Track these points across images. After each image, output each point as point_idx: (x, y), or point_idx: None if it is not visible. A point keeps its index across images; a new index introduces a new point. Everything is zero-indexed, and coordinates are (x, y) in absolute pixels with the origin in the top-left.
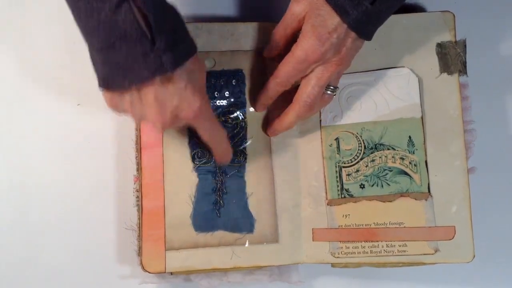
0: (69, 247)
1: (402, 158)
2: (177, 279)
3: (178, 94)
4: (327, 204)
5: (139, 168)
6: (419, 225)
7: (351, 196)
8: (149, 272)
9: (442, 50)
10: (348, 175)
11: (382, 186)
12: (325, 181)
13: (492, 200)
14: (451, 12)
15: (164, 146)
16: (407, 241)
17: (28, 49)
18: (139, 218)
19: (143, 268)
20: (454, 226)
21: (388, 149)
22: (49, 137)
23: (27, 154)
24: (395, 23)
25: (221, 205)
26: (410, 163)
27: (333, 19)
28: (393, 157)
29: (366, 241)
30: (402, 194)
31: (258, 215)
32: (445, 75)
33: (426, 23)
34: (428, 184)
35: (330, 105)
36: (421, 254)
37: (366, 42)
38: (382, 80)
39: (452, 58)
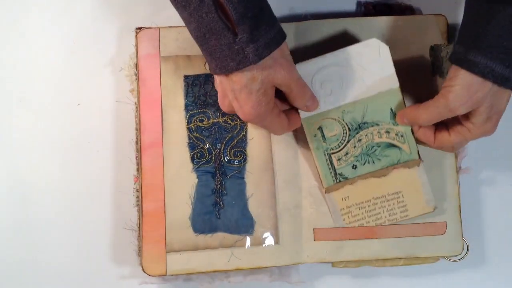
0: (69, 247)
1: (387, 132)
2: (178, 280)
3: (233, 94)
4: (325, 192)
5: (139, 169)
6: (416, 190)
7: (346, 178)
8: (150, 275)
9: (435, 52)
10: (339, 159)
11: (373, 162)
12: (318, 171)
13: (491, 200)
14: (444, 16)
15: (164, 146)
16: (405, 236)
17: (28, 49)
18: (139, 219)
19: (143, 271)
20: (446, 222)
21: (372, 125)
22: (49, 137)
23: (27, 154)
24: (390, 25)
25: (220, 207)
26: (396, 135)
27: (505, 100)
28: (378, 132)
29: (366, 239)
30: (394, 166)
31: (258, 216)
32: (437, 77)
33: (421, 25)
34: (417, 150)
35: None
36: (423, 214)
37: None
38: (353, 57)
39: (443, 60)
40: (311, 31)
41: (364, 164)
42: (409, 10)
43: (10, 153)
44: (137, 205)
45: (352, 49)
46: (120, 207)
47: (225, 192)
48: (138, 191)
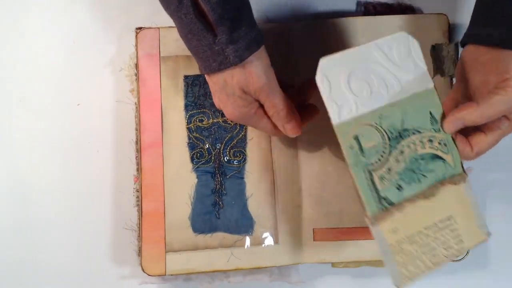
0: (69, 247)
1: (430, 141)
2: (177, 279)
3: (216, 94)
4: (371, 225)
5: (139, 169)
6: (467, 212)
7: (392, 204)
8: (150, 275)
9: (436, 52)
10: (382, 178)
11: (419, 180)
12: (359, 195)
13: (490, 200)
14: (445, 15)
15: (163, 146)
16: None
17: (28, 49)
18: (139, 219)
19: (143, 270)
20: None
21: (414, 133)
22: (49, 137)
23: (27, 154)
24: (391, 24)
25: (220, 207)
26: (439, 143)
27: None
28: (421, 141)
29: (366, 239)
30: (442, 183)
31: (258, 216)
32: (438, 76)
33: (422, 25)
34: (461, 162)
35: (336, 95)
36: (478, 243)
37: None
38: (384, 52)
39: (444, 60)
40: (311, 31)
41: (410, 183)
42: (409, 10)
43: (10, 153)
44: (137, 205)
45: (382, 43)
46: (120, 207)
47: (225, 192)
48: (138, 191)
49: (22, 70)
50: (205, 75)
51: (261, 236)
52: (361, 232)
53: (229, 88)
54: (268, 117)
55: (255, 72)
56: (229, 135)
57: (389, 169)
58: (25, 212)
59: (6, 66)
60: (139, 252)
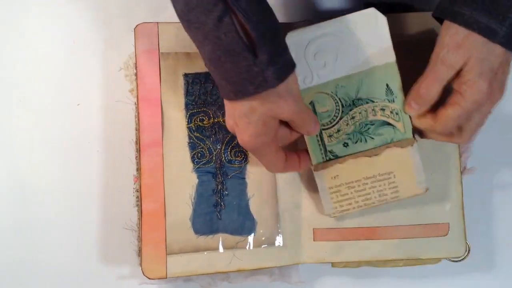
0: (69, 247)
1: (382, 109)
2: (178, 280)
3: (233, 119)
4: (314, 170)
5: (139, 169)
6: (408, 171)
7: (336, 156)
8: (150, 279)
9: None
10: (330, 136)
11: (366, 141)
12: (307, 148)
13: (493, 200)
14: None
15: (164, 146)
16: (406, 238)
17: (28, 49)
18: (139, 219)
19: (143, 273)
20: (448, 223)
21: (367, 102)
22: (49, 137)
23: (27, 154)
24: (395, 22)
25: (221, 207)
26: (391, 112)
27: (496, 57)
28: (373, 110)
29: (366, 239)
30: (387, 145)
31: (259, 217)
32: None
33: (422, 22)
34: (412, 129)
35: (298, 65)
36: (414, 196)
37: None
38: (349, 27)
39: None
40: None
41: (356, 142)
42: (411, 10)
43: (10, 153)
44: (137, 205)
45: (348, 18)
46: (120, 207)
47: (226, 193)
48: (138, 191)
49: (22, 70)
50: (226, 101)
51: (262, 237)
52: (361, 232)
53: (254, 115)
54: (280, 152)
55: (284, 103)
56: (230, 135)
57: (339, 130)
58: (25, 212)
59: (6, 66)
60: (139, 252)
